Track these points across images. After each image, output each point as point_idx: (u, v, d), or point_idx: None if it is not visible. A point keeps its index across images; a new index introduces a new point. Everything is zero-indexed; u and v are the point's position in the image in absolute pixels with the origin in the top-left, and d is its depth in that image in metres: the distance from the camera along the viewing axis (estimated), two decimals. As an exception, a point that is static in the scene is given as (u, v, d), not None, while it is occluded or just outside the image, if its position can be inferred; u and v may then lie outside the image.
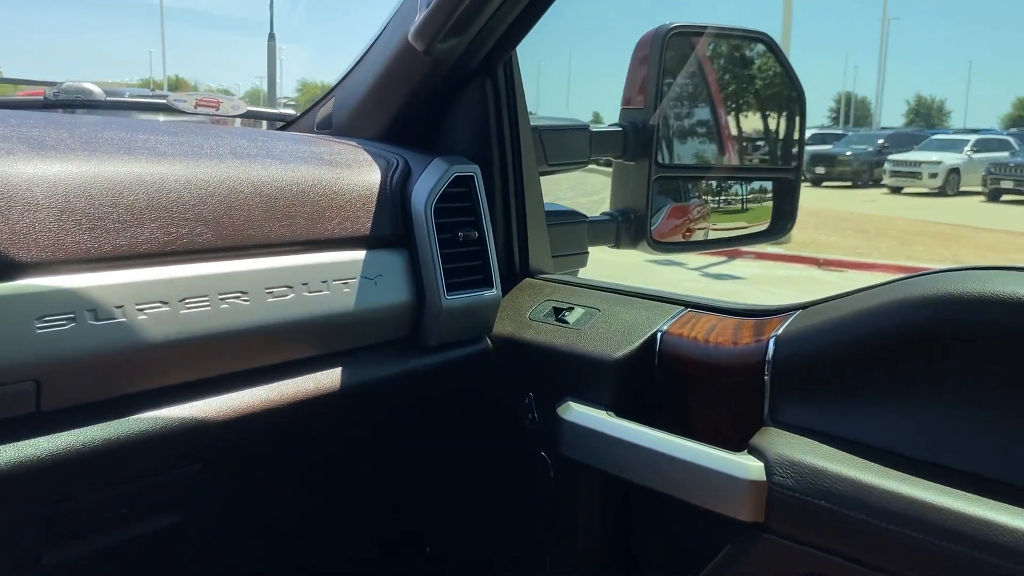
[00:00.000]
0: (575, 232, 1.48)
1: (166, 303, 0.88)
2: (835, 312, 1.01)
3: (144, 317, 0.86)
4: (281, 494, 1.16)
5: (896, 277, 1.01)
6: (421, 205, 1.14)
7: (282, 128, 1.48)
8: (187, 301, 0.90)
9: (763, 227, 1.61)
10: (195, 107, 1.36)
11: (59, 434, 0.81)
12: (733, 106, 1.69)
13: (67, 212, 0.83)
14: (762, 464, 0.97)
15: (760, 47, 1.56)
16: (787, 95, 1.57)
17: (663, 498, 1.07)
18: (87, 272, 0.84)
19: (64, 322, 0.81)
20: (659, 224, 1.54)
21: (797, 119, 1.57)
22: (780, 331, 1.05)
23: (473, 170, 1.21)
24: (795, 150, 1.59)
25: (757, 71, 1.66)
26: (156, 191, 0.90)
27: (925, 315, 0.92)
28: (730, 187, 1.72)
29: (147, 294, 0.87)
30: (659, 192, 1.54)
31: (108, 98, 1.33)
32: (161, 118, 1.45)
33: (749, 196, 1.72)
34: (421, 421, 1.28)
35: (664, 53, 1.44)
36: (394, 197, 1.15)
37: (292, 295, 1.00)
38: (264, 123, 1.65)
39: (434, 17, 1.09)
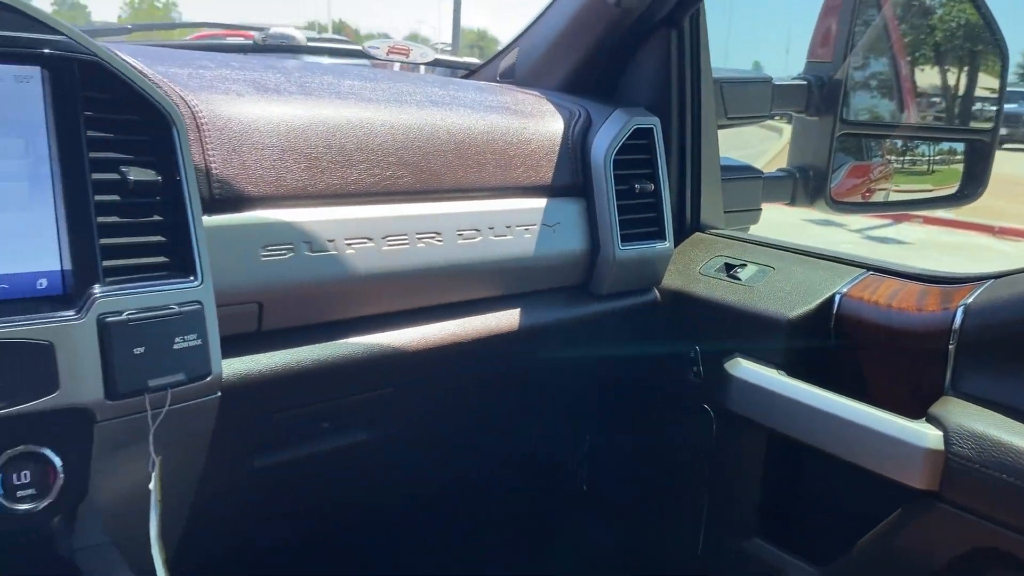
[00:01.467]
0: (749, 188, 1.47)
1: (371, 239, 0.95)
2: None
3: (352, 251, 0.94)
4: (456, 421, 1.24)
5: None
6: (601, 156, 1.16)
7: (464, 76, 1.53)
8: (389, 239, 0.97)
9: (950, 191, 1.53)
10: (387, 54, 1.43)
11: (276, 352, 0.90)
12: (925, 61, 1.60)
13: (288, 151, 0.91)
14: (941, 433, 0.95)
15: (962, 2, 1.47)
16: (987, 50, 1.47)
17: (829, 459, 1.06)
18: (304, 207, 0.91)
19: (285, 252, 0.89)
20: (838, 183, 1.49)
21: (998, 76, 1.47)
22: (970, 300, 1.01)
23: (653, 122, 1.22)
24: (993, 110, 1.50)
25: (955, 24, 1.57)
26: (364, 135, 0.97)
27: None
28: (916, 147, 1.64)
29: (355, 231, 0.94)
30: (840, 150, 1.50)
31: (309, 43, 1.42)
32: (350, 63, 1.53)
33: (936, 157, 1.64)
34: (587, 365, 1.32)
35: (857, 3, 1.38)
36: (575, 147, 1.17)
37: (479, 238, 1.06)
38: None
39: None
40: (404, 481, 1.23)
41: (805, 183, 1.49)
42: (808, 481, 1.18)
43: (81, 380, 0.70)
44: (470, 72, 1.53)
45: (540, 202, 1.13)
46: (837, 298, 1.14)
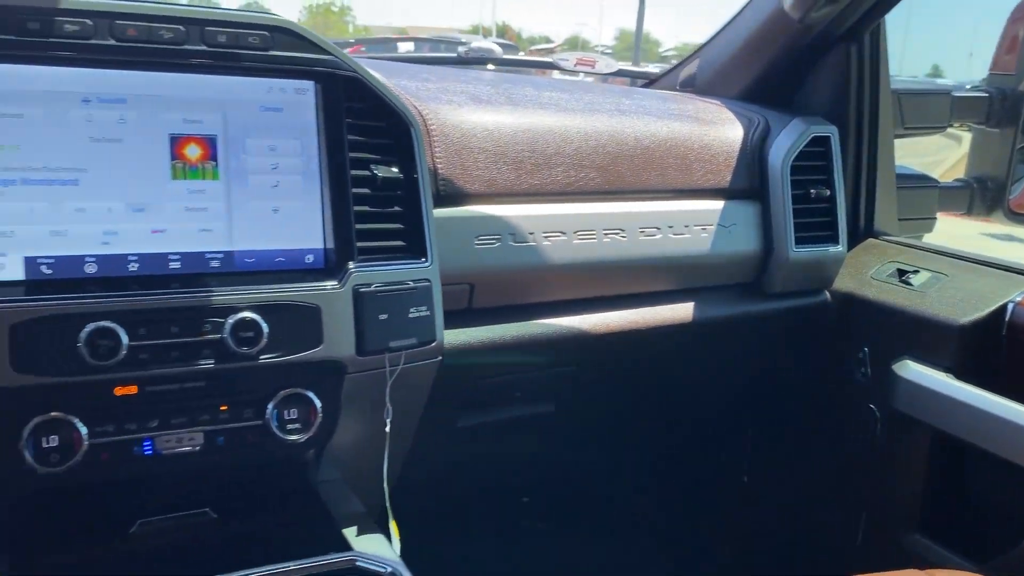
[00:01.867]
0: (924, 197, 1.49)
1: (564, 233, 1.08)
2: None
3: (548, 243, 1.07)
4: (626, 401, 1.35)
5: None
6: (778, 162, 1.24)
7: (645, 85, 1.64)
8: (579, 233, 1.09)
9: None
10: (575, 65, 1.55)
11: (483, 327, 1.04)
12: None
13: (498, 155, 1.04)
14: None
15: None
16: None
17: (996, 462, 1.09)
18: (509, 204, 1.05)
19: (494, 241, 1.03)
20: (1018, 194, 1.49)
21: None
22: None
23: (831, 131, 1.28)
24: None
25: None
26: (561, 140, 1.09)
27: None
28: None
29: (551, 225, 1.07)
30: (1021, 162, 1.49)
31: (504, 55, 1.57)
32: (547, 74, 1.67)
33: None
34: (756, 361, 1.39)
35: (1048, 15, 1.38)
36: (753, 152, 1.25)
37: (659, 235, 1.16)
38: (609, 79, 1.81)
39: None
40: (576, 454, 1.35)
41: (983, 194, 1.49)
42: (972, 482, 1.20)
43: (339, 337, 0.86)
44: (650, 81, 1.63)
45: (718, 204, 1.22)
46: (1010, 306, 1.16)
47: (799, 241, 1.24)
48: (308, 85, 0.88)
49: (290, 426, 0.86)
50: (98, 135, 0.79)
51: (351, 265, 0.87)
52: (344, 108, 0.89)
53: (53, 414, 0.76)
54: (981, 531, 1.16)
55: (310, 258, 0.88)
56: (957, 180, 1.51)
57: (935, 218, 1.50)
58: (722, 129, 1.25)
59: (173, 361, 0.79)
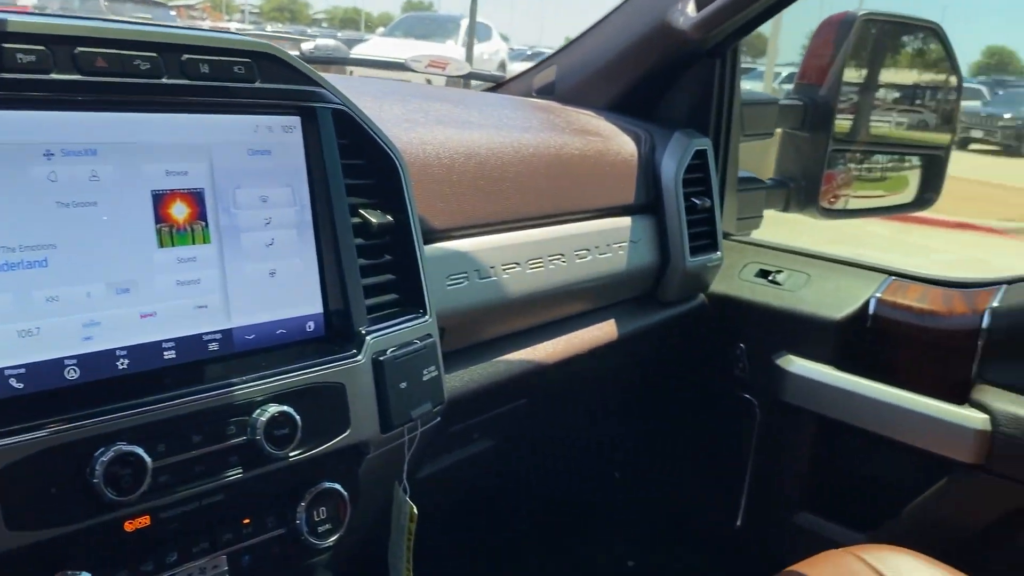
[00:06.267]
0: (755, 197, 1.62)
1: (518, 264, 1.03)
2: None
3: (507, 276, 1.01)
4: (563, 426, 1.34)
5: None
6: (671, 176, 1.28)
7: (490, 90, 1.60)
8: (530, 262, 1.05)
9: (908, 198, 1.76)
10: (426, 67, 1.47)
11: (455, 373, 0.96)
12: (899, 87, 1.82)
13: (455, 184, 0.96)
14: (987, 416, 1.15)
15: (929, 35, 1.69)
16: (948, 80, 1.70)
17: (875, 440, 1.25)
18: (470, 237, 0.97)
19: (461, 280, 0.95)
20: (826, 192, 1.68)
21: (955, 102, 1.71)
22: (996, 304, 1.21)
23: (707, 144, 1.35)
24: (949, 129, 1.74)
25: (923, 57, 1.80)
26: (502, 163, 1.03)
27: None
28: (871, 157, 1.86)
29: (507, 256, 1.01)
30: (830, 163, 1.68)
31: (352, 55, 1.44)
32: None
33: (888, 166, 1.87)
34: (648, 368, 1.44)
35: (852, 37, 1.56)
36: (647, 167, 1.28)
37: (590, 256, 1.15)
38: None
39: (723, 13, 1.21)
40: (518, 484, 1.32)
41: (798, 192, 1.67)
42: (854, 460, 1.36)
43: (364, 416, 0.74)
44: (498, 85, 1.59)
45: (627, 220, 1.23)
46: (872, 302, 1.32)
47: (691, 251, 1.30)
48: (294, 122, 0.74)
49: (321, 528, 0.73)
50: (67, 198, 0.60)
51: (362, 330, 0.76)
52: (336, 146, 0.76)
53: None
54: (866, 504, 1.32)
55: (311, 326, 0.75)
56: (774, 180, 1.67)
57: (762, 216, 1.65)
58: (620, 144, 1.26)
59: (197, 478, 0.63)
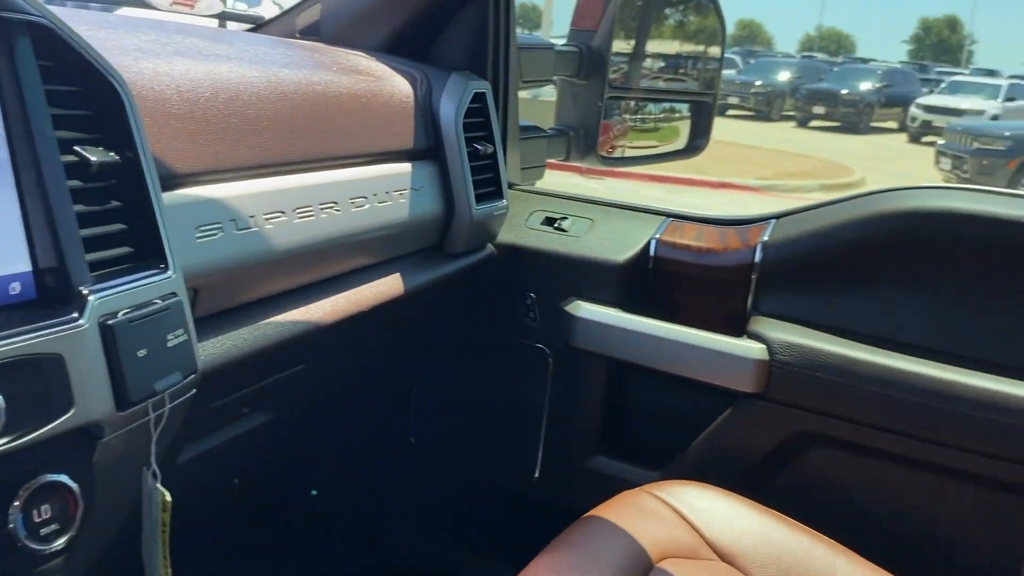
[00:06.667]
0: (537, 146, 1.60)
1: (284, 213, 0.92)
2: (814, 222, 1.23)
3: (271, 227, 0.90)
4: (349, 390, 1.23)
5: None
6: (451, 120, 1.21)
7: (251, 31, 1.44)
8: (298, 211, 0.94)
9: (680, 145, 1.81)
10: (171, 5, 1.30)
11: (213, 340, 0.84)
12: (669, 33, 1.85)
13: (200, 122, 0.83)
14: (764, 346, 1.19)
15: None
16: (714, 28, 1.76)
17: (665, 378, 1.26)
18: (223, 183, 0.85)
19: (215, 232, 0.83)
20: (603, 141, 1.69)
21: (720, 49, 1.78)
22: (766, 238, 1.26)
23: (486, 86, 1.29)
24: (715, 77, 1.80)
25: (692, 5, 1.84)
26: (257, 100, 0.91)
27: (893, 225, 1.16)
28: (644, 107, 1.90)
29: (270, 204, 0.90)
30: (607, 111, 1.68)
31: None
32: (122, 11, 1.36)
33: (660, 116, 1.91)
34: (438, 323, 1.38)
35: (621, -17, 1.56)
36: (425, 110, 1.21)
37: (367, 205, 1.06)
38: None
39: None
40: (298, 458, 1.20)
41: (578, 141, 1.66)
42: (645, 400, 1.37)
43: (93, 393, 0.62)
44: (257, 27, 1.45)
45: (406, 166, 1.15)
46: (653, 243, 1.33)
47: (477, 199, 1.25)
48: (-22, 35, 0.59)
49: (45, 530, 0.60)
50: None
51: (84, 290, 0.62)
52: (36, 67, 0.62)
53: None
54: (659, 443, 1.33)
55: (16, 287, 0.61)
56: (555, 129, 1.65)
57: (545, 166, 1.62)
58: (394, 85, 1.17)
59: None
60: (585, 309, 1.31)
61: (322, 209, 0.98)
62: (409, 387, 1.50)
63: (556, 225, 1.39)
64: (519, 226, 1.40)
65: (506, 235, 1.38)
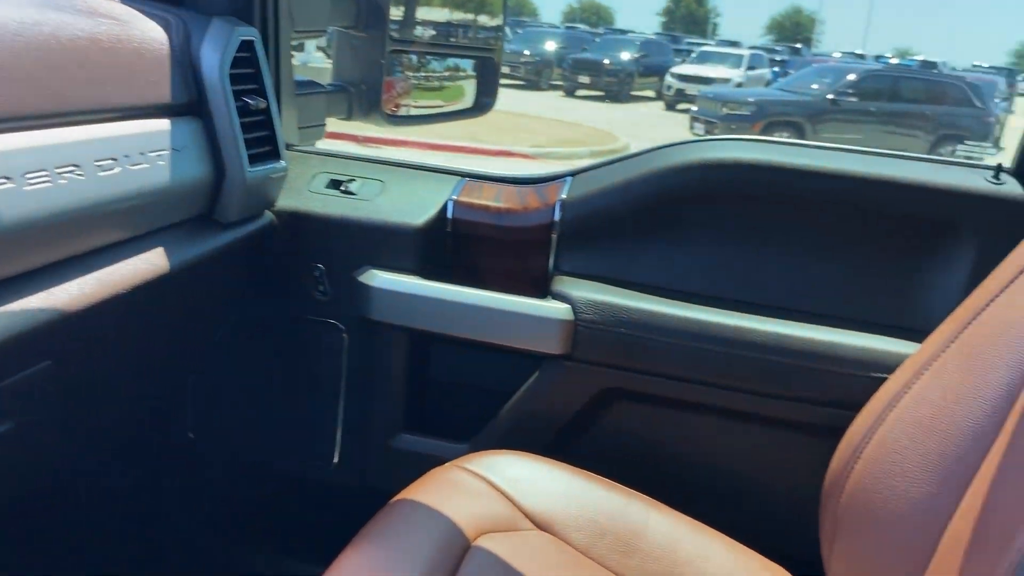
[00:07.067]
0: (315, 103, 1.47)
1: (10, 179, 0.75)
2: (611, 178, 1.22)
3: None
4: (109, 387, 1.05)
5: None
6: (215, 70, 1.06)
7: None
8: (29, 176, 0.77)
9: (467, 104, 1.75)
10: None
11: None
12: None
13: None
14: (568, 306, 1.16)
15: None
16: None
17: (469, 345, 1.20)
18: None
19: None
20: (387, 99, 1.58)
21: (502, 7, 1.72)
22: (564, 196, 1.22)
23: (254, 34, 1.15)
24: (497, 35, 1.75)
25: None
26: None
27: (688, 177, 1.17)
28: (428, 64, 1.81)
29: None
30: (389, 66, 1.58)
31: None
32: None
33: (445, 75, 1.84)
34: (217, 302, 1.22)
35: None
36: (183, 59, 1.05)
37: (118, 168, 0.90)
38: None
39: None
40: (62, 475, 1.01)
41: (359, 98, 1.54)
42: (449, 370, 1.30)
43: None
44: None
45: (164, 123, 0.99)
46: (450, 204, 1.25)
47: (251, 160, 1.11)
48: None
49: None
50: None
51: None
52: None
53: None
54: (464, 413, 1.27)
55: None
56: (334, 84, 1.52)
57: (324, 125, 1.50)
58: (143, 30, 1.01)
59: None
60: (380, 278, 1.22)
61: (60, 174, 0.81)
62: (185, 377, 1.34)
63: (343, 188, 1.28)
64: (301, 190, 1.27)
65: (286, 200, 1.25)
